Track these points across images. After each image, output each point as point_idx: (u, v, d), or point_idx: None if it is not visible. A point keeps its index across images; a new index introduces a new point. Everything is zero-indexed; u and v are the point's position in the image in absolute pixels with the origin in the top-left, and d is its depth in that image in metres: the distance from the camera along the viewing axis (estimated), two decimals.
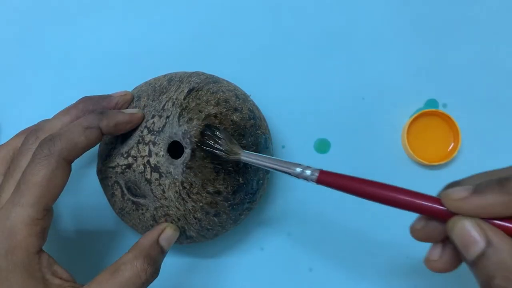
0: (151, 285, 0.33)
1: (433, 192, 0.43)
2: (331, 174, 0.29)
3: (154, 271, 0.32)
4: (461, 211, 0.24)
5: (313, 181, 0.29)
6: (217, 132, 0.33)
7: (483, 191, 0.23)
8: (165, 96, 0.36)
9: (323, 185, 0.29)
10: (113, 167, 0.36)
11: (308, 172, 0.30)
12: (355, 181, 0.28)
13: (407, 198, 0.26)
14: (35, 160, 0.30)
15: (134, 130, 0.36)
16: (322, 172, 0.29)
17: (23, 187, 0.30)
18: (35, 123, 0.36)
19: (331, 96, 0.44)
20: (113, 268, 0.31)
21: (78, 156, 0.32)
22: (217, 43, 0.45)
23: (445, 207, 0.25)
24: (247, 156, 0.33)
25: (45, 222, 0.31)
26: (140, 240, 0.33)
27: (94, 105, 0.36)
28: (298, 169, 0.30)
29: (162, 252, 0.33)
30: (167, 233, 0.34)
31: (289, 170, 0.31)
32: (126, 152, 0.36)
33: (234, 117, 0.36)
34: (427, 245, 0.42)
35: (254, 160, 0.32)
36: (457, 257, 0.26)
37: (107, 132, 0.33)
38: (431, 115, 0.43)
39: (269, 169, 0.32)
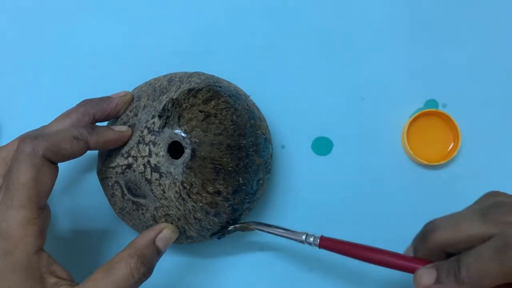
0: (151, 284, 0.33)
1: (433, 192, 0.43)
2: (330, 240, 0.34)
3: (146, 271, 0.32)
4: None
5: (316, 245, 0.35)
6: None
7: (443, 281, 0.28)
8: (165, 96, 0.36)
9: (325, 249, 0.35)
10: (113, 167, 0.36)
11: (311, 239, 0.35)
12: (351, 246, 0.33)
13: (395, 260, 0.32)
14: (20, 158, 0.30)
15: (134, 130, 0.36)
16: (322, 238, 0.35)
17: (12, 189, 0.30)
18: (35, 122, 0.36)
19: (331, 96, 0.44)
20: (108, 266, 0.31)
21: (61, 161, 0.32)
22: (217, 43, 0.45)
23: None
24: (258, 226, 0.38)
25: (41, 221, 0.31)
26: (136, 238, 0.33)
27: (94, 108, 0.36)
28: (303, 236, 0.35)
29: (158, 253, 0.33)
30: (165, 234, 0.34)
31: (296, 238, 0.36)
32: (126, 152, 0.36)
33: (234, 117, 0.36)
34: None
35: (266, 230, 0.37)
36: None
37: (94, 148, 0.34)
38: (431, 115, 0.43)
39: (279, 236, 0.37)
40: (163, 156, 0.34)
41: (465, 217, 0.29)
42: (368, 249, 0.32)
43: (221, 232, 0.38)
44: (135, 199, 0.36)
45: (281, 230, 0.37)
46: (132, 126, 0.36)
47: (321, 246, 0.35)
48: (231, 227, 0.38)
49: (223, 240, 0.42)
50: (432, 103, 0.44)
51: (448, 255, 0.30)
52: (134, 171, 0.35)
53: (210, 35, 0.45)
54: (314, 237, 0.35)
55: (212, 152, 0.34)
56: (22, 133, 0.35)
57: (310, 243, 0.35)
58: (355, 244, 0.33)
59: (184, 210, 0.35)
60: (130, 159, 0.35)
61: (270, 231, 0.37)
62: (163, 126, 0.35)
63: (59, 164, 0.33)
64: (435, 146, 0.43)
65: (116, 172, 0.36)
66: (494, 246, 0.27)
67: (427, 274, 0.29)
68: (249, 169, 0.36)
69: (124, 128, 0.36)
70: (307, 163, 0.43)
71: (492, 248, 0.27)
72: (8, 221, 0.30)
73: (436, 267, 0.29)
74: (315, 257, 0.42)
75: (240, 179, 0.35)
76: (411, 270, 0.31)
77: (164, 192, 0.35)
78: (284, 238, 0.37)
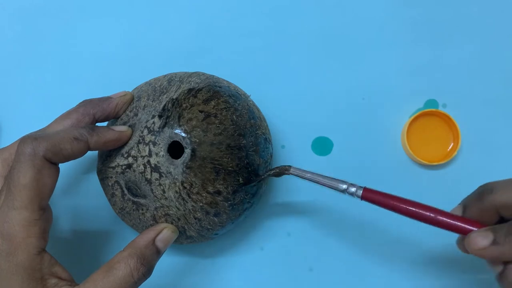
0: (151, 284, 0.33)
1: (433, 192, 0.43)
2: (374, 191, 0.32)
3: (146, 271, 0.32)
4: (482, 256, 0.29)
5: (358, 197, 0.33)
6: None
7: (501, 242, 0.28)
8: (165, 96, 0.36)
9: (367, 201, 0.33)
10: (113, 167, 0.36)
11: (352, 189, 0.33)
12: (394, 199, 0.32)
13: (442, 218, 0.31)
14: (20, 159, 0.30)
15: (134, 130, 0.36)
16: (365, 189, 0.33)
17: (13, 190, 0.30)
18: (35, 122, 0.36)
19: (331, 96, 0.44)
20: (107, 267, 0.31)
21: (61, 162, 0.32)
22: (217, 43, 0.45)
23: (469, 252, 0.29)
24: (295, 171, 0.35)
25: (43, 222, 0.31)
26: (136, 238, 0.33)
27: (94, 108, 0.36)
28: (344, 186, 0.33)
29: (158, 253, 0.33)
30: (165, 234, 0.34)
31: (335, 186, 0.34)
32: (126, 152, 0.36)
33: (234, 117, 0.36)
34: (425, 245, 0.42)
35: (303, 174, 0.35)
36: None
37: (94, 148, 0.34)
38: (431, 115, 0.43)
39: (316, 183, 0.35)
40: (163, 156, 0.34)
41: None
42: (415, 205, 0.31)
43: (258, 179, 0.36)
44: (135, 199, 0.36)
45: (319, 177, 0.34)
46: (132, 126, 0.36)
47: (363, 197, 0.32)
48: (267, 173, 0.36)
49: (223, 239, 0.42)
50: (432, 103, 0.44)
51: (500, 219, 0.30)
52: (134, 171, 0.35)
53: (210, 35, 0.45)
54: (357, 188, 0.33)
55: (212, 152, 0.34)
56: (22, 134, 0.35)
57: (351, 194, 0.33)
58: (401, 198, 0.32)
59: (184, 210, 0.35)
60: (130, 159, 0.35)
61: (307, 176, 0.35)
62: (163, 126, 0.35)
63: (59, 165, 0.33)
64: (435, 146, 0.43)
65: (116, 172, 0.36)
66: None
67: (482, 236, 0.29)
68: (249, 169, 0.36)
69: (124, 128, 0.36)
70: (307, 163, 0.43)
71: None
72: (10, 222, 0.30)
73: (492, 230, 0.29)
74: (315, 257, 0.42)
75: (240, 179, 0.35)
76: (461, 230, 0.30)
77: (164, 192, 0.35)
78: (322, 186, 0.34)
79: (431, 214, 0.30)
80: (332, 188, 0.34)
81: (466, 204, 0.32)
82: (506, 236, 0.28)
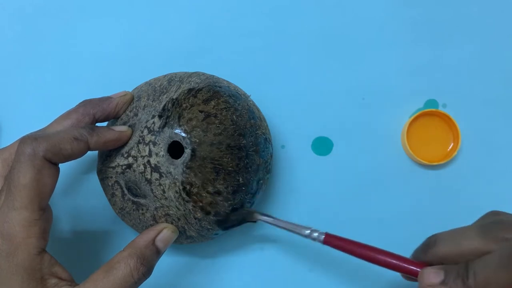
0: (151, 284, 0.33)
1: (433, 192, 0.43)
2: (335, 237, 0.34)
3: (146, 271, 0.32)
4: None
5: (320, 242, 0.34)
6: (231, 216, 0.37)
7: (449, 284, 0.29)
8: (165, 96, 0.36)
9: (329, 246, 0.34)
10: (113, 167, 0.36)
11: (315, 234, 0.35)
12: (356, 245, 0.33)
13: (398, 263, 0.32)
14: (20, 159, 0.30)
15: (134, 130, 0.36)
16: (327, 235, 0.34)
17: (13, 190, 0.30)
18: (35, 122, 0.36)
19: (331, 96, 0.44)
20: (107, 267, 0.31)
21: (61, 162, 0.32)
22: (217, 43, 0.45)
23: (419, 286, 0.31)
24: (263, 219, 0.37)
25: (43, 222, 0.31)
26: (136, 238, 0.33)
27: (94, 108, 0.36)
28: (307, 231, 0.35)
29: (158, 253, 0.33)
30: (165, 234, 0.34)
31: (299, 232, 0.35)
32: (126, 152, 0.36)
33: (234, 117, 0.36)
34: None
35: (271, 221, 0.37)
36: None
37: (94, 148, 0.34)
38: (431, 115, 0.43)
39: (282, 229, 0.36)
40: (163, 156, 0.34)
41: (466, 233, 0.30)
42: (373, 250, 0.33)
43: (226, 224, 0.37)
44: (135, 199, 0.36)
45: (284, 223, 0.36)
46: (132, 126, 0.36)
47: (325, 242, 0.34)
48: (234, 218, 0.37)
49: (223, 239, 0.42)
50: (432, 103, 0.44)
51: None
52: (134, 171, 0.35)
53: (210, 35, 0.45)
54: (319, 233, 0.34)
55: (212, 152, 0.34)
56: (22, 134, 0.35)
57: (314, 239, 0.35)
58: (360, 243, 0.33)
59: (184, 210, 0.35)
60: (130, 159, 0.35)
61: (273, 223, 0.36)
62: (163, 126, 0.35)
63: (59, 165, 0.33)
64: (435, 146, 0.43)
65: (116, 172, 0.36)
66: (500, 254, 0.27)
67: (434, 274, 0.30)
68: (249, 169, 0.36)
69: (124, 128, 0.36)
70: (307, 163, 0.43)
71: (498, 257, 0.27)
72: (10, 222, 0.30)
73: (444, 269, 0.30)
74: (315, 257, 0.42)
75: (240, 179, 0.35)
76: (416, 274, 0.32)
77: (164, 192, 0.35)
78: (287, 231, 0.36)
79: (387, 259, 0.32)
80: (298, 234, 0.35)
81: (414, 257, 0.33)
82: (455, 278, 0.29)
